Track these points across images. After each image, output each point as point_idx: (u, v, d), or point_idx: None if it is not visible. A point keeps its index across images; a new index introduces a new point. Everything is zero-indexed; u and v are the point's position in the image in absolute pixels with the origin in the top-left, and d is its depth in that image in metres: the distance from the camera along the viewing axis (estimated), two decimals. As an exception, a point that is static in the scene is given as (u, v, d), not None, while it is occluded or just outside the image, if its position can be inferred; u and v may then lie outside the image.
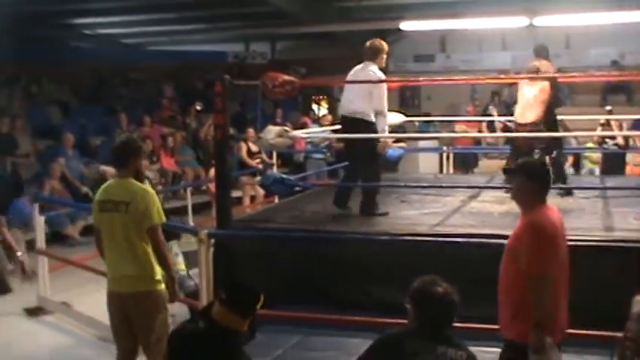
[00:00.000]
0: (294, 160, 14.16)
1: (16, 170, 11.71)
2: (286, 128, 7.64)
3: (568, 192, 7.94)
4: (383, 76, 7.08)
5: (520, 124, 7.96)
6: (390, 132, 7.62)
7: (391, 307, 4.50)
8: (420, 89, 18.62)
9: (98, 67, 17.18)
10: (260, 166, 12.29)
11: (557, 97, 8.08)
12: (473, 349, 3.42)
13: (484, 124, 14.44)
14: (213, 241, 5.88)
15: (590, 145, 13.27)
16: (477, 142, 15.04)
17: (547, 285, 3.65)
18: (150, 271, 4.71)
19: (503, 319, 3.86)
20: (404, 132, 12.54)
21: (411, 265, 4.82)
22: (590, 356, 4.93)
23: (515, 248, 3.78)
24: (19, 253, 8.46)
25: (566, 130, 11.25)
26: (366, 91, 6.85)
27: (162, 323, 4.72)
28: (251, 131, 11.45)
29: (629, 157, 12.90)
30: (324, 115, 15.93)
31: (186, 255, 6.48)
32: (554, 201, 7.62)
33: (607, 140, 12.53)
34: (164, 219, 4.80)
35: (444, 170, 12.19)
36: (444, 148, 12.59)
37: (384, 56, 7.10)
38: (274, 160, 12.07)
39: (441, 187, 8.50)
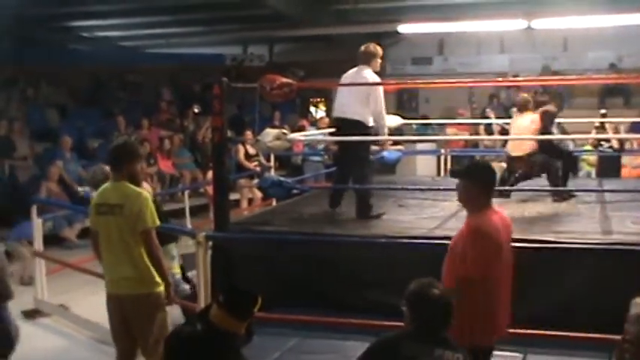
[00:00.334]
0: (292, 162, 14.15)
1: (14, 173, 11.70)
2: (284, 131, 7.63)
3: (566, 196, 7.94)
4: (378, 80, 7.14)
5: (514, 157, 8.08)
6: (388, 135, 7.64)
7: (388, 310, 4.50)
8: (418, 92, 18.61)
9: (96, 70, 17.17)
10: (258, 169, 12.29)
11: (548, 128, 8.12)
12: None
13: (481, 127, 14.44)
14: (210, 243, 5.88)
15: (587, 147, 13.28)
16: (475, 144, 15.04)
17: (489, 287, 3.70)
18: (147, 273, 4.72)
19: None
20: (401, 135, 12.54)
21: (408, 268, 4.81)
22: (588, 359, 4.93)
23: (456, 248, 3.81)
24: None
25: (564, 132, 11.25)
26: (364, 94, 6.88)
27: (160, 325, 4.73)
28: (249, 134, 11.44)
29: (627, 159, 12.92)
30: (321, 118, 15.89)
31: (183, 258, 6.47)
32: (553, 205, 7.69)
33: (602, 143, 12.56)
34: (157, 222, 4.80)
35: (442, 173, 12.18)
36: (442, 150, 12.60)
37: (379, 60, 7.16)
38: (272, 163, 12.07)
39: (438, 189, 8.49)
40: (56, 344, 6.72)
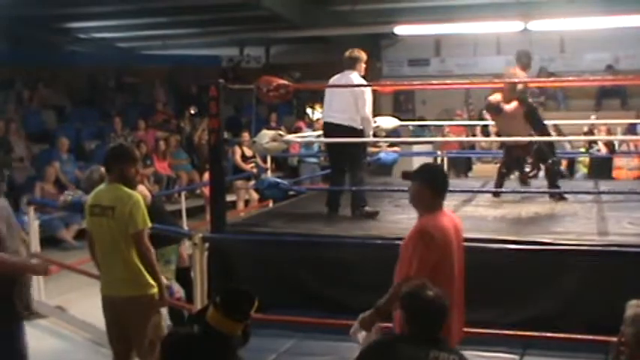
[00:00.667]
0: (289, 164, 14.15)
1: (10, 174, 11.68)
2: (281, 132, 7.65)
3: (561, 197, 7.95)
4: (364, 83, 7.24)
5: (512, 146, 8.10)
6: (385, 136, 7.67)
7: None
8: (415, 93, 18.60)
9: (93, 71, 17.18)
10: (254, 171, 12.28)
11: (531, 104, 8.11)
12: (465, 353, 3.41)
13: (478, 129, 14.45)
14: (207, 245, 5.88)
15: (583, 149, 13.32)
16: (472, 146, 15.05)
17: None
18: (140, 275, 4.73)
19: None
20: (398, 136, 12.55)
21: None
22: (584, 360, 4.94)
23: (406, 250, 3.82)
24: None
25: (561, 134, 11.29)
26: (352, 98, 6.95)
27: (155, 326, 4.73)
28: (245, 135, 11.45)
29: (624, 161, 12.95)
30: (318, 119, 15.91)
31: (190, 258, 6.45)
32: (548, 206, 7.70)
33: (593, 145, 12.67)
34: (149, 224, 4.81)
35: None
36: (439, 152, 12.60)
37: (364, 65, 7.22)
38: (268, 164, 12.06)
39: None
40: (53, 346, 6.70)
